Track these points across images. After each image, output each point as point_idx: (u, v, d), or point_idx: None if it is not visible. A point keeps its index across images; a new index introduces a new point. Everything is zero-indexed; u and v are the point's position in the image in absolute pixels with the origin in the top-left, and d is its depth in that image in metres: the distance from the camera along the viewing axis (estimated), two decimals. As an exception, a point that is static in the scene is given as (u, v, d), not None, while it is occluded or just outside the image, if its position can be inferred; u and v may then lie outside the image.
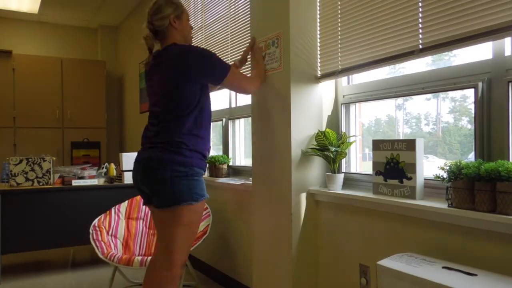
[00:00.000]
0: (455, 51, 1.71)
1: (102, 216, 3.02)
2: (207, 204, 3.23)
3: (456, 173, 1.51)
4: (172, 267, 1.85)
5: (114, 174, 3.71)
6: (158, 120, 1.92)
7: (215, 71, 1.92)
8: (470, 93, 1.71)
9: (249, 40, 2.62)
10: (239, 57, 2.47)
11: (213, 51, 2.03)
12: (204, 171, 1.95)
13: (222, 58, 2.02)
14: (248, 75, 2.42)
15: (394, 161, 1.81)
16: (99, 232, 2.86)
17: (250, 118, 2.72)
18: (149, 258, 2.57)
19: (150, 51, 2.03)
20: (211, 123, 2.07)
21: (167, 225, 1.84)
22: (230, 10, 3.06)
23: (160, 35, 1.99)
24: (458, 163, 1.52)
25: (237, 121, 3.26)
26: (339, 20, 2.12)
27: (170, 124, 1.87)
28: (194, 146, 1.87)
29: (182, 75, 1.86)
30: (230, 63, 2.05)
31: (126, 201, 3.16)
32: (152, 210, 1.97)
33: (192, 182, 1.83)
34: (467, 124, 1.78)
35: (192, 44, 2.00)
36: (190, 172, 1.83)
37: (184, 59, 1.86)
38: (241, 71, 2.35)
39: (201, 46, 3.54)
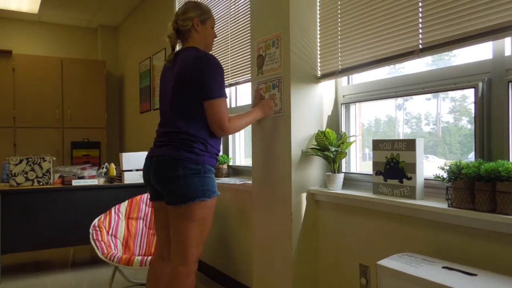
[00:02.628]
0: (455, 51, 1.71)
1: (102, 216, 3.02)
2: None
3: (456, 173, 1.51)
4: (187, 262, 1.88)
5: (114, 174, 3.71)
6: (170, 118, 1.95)
7: (210, 86, 1.87)
8: (470, 93, 1.71)
9: (249, 41, 2.64)
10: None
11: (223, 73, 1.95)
12: (214, 168, 1.97)
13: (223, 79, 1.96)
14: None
15: (394, 161, 1.81)
16: (99, 232, 2.86)
17: (250, 118, 2.72)
18: (149, 258, 2.56)
19: (172, 48, 2.05)
20: None
21: (181, 221, 1.86)
22: (230, 10, 3.06)
23: (183, 35, 2.02)
24: (458, 163, 1.52)
25: (237, 121, 3.26)
26: (339, 20, 2.13)
27: (181, 123, 1.90)
28: (205, 144, 1.90)
29: (188, 79, 1.89)
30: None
31: (126, 201, 3.16)
32: (157, 207, 2.01)
33: (205, 179, 1.87)
34: (467, 124, 1.78)
35: (210, 54, 1.95)
36: (203, 170, 1.87)
37: (194, 64, 1.89)
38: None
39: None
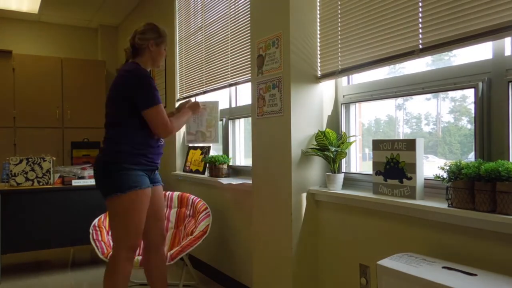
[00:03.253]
0: (455, 51, 1.71)
1: (102, 216, 3.02)
2: (207, 204, 3.23)
3: (456, 173, 1.51)
4: (115, 249, 2.14)
5: (114, 174, 3.71)
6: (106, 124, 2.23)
7: (143, 97, 2.10)
8: (470, 93, 1.71)
9: (249, 41, 2.63)
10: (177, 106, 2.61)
11: (154, 84, 2.18)
12: (142, 165, 2.16)
13: (158, 90, 2.19)
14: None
15: (394, 161, 1.81)
16: (99, 232, 2.86)
17: (250, 118, 2.72)
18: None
19: (126, 61, 2.32)
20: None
21: (109, 214, 2.15)
22: (230, 10, 3.06)
23: (136, 51, 2.27)
24: (458, 163, 1.52)
25: (237, 121, 3.26)
26: (339, 20, 2.12)
27: (109, 130, 2.18)
28: (123, 146, 2.12)
29: (119, 92, 2.14)
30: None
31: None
32: None
33: (120, 176, 2.08)
34: (467, 124, 1.78)
35: (144, 70, 2.20)
36: (115, 168, 2.09)
37: (124, 78, 2.14)
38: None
39: (201, 47, 3.54)
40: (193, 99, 2.61)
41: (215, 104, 2.69)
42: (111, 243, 2.85)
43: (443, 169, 1.56)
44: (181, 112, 2.41)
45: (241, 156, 3.27)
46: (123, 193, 2.07)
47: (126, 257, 2.13)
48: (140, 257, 2.54)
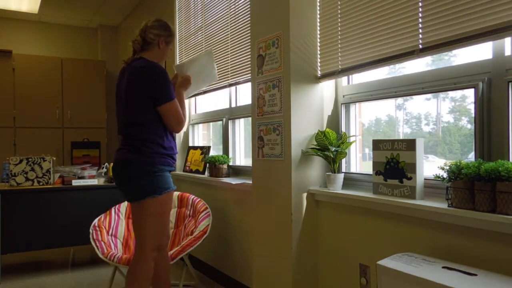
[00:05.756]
0: (455, 51, 1.72)
1: (102, 216, 3.02)
2: (207, 204, 3.23)
3: (456, 173, 1.51)
4: (142, 250, 2.14)
5: (114, 174, 3.71)
6: (123, 125, 2.21)
7: (163, 92, 2.11)
8: (470, 93, 1.71)
9: (249, 41, 2.63)
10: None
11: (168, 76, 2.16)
12: (170, 166, 2.19)
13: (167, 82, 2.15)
14: None
15: (394, 161, 1.81)
16: (99, 232, 2.86)
17: (250, 118, 2.72)
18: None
19: (134, 52, 2.29)
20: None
21: (137, 216, 2.15)
22: (230, 10, 3.06)
23: (146, 46, 2.24)
24: (458, 163, 1.52)
25: (237, 121, 3.26)
26: (339, 20, 2.13)
27: (132, 130, 2.15)
28: (155, 146, 2.13)
29: (140, 89, 2.11)
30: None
31: (126, 201, 3.16)
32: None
33: (155, 178, 2.11)
34: (467, 124, 1.78)
35: (154, 62, 2.17)
36: (153, 170, 2.10)
37: (145, 74, 2.10)
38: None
39: (201, 47, 3.54)
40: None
41: (203, 57, 2.46)
42: (112, 245, 2.85)
43: (443, 169, 1.56)
44: (177, 98, 2.28)
45: (241, 156, 3.27)
46: (159, 195, 2.11)
47: (152, 257, 2.17)
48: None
